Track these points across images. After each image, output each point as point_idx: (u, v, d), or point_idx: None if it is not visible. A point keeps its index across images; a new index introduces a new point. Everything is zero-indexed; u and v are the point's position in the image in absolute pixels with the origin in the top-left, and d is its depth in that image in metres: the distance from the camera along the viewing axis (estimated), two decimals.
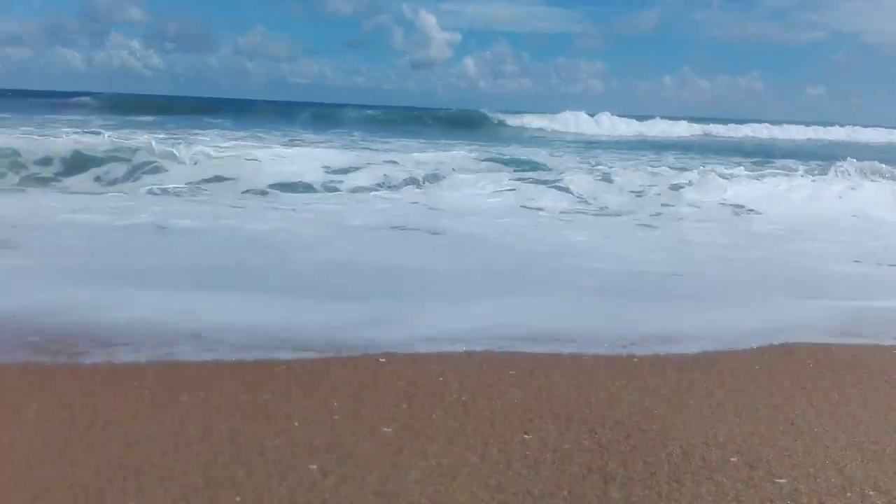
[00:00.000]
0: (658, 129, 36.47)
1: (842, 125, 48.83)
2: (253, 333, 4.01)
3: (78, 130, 14.62)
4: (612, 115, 38.45)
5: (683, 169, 13.72)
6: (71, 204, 8.60)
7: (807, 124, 47.57)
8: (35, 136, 12.47)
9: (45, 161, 10.97)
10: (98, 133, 13.71)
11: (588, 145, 25.48)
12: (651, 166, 14.32)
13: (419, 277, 5.68)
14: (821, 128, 45.90)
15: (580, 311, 4.91)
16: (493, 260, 6.54)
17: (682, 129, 37.29)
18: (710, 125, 40.64)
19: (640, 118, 41.38)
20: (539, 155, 16.68)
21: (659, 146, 26.22)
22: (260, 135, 19.16)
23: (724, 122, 44.61)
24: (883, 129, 47.11)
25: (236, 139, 15.93)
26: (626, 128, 35.51)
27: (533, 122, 37.91)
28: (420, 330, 4.21)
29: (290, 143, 16.58)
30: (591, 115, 38.28)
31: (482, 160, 14.14)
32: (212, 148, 12.07)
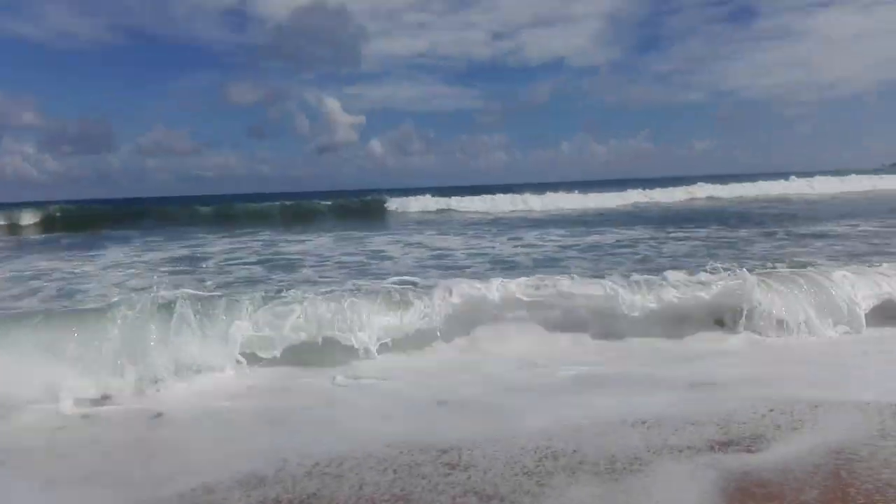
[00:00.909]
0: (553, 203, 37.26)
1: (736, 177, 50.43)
2: None
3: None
4: (524, 191, 39.90)
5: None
6: None
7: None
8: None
9: None
10: None
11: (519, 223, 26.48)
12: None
13: None
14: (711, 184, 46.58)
15: None
16: None
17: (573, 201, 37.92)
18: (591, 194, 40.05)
19: (551, 186, 42.36)
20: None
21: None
22: (165, 246, 17.40)
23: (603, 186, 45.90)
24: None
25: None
26: (562, 203, 36.92)
27: (434, 204, 38.80)
28: None
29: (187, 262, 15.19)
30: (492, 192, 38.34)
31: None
32: None
